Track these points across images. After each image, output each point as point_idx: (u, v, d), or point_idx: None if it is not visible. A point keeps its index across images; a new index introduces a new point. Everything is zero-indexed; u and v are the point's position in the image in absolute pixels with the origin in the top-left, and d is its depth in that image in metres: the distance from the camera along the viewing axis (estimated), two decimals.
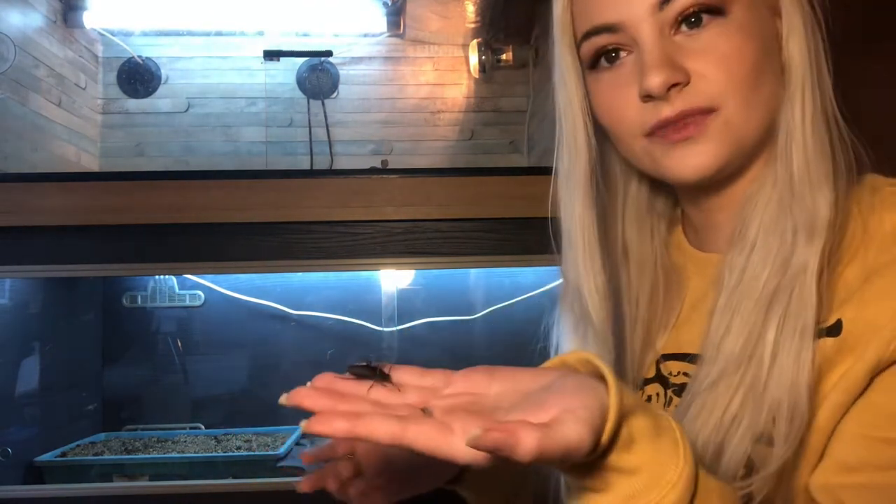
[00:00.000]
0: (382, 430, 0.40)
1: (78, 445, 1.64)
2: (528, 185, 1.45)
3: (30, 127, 1.68)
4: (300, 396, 0.43)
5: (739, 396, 0.55)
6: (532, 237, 1.45)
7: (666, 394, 0.66)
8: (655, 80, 0.56)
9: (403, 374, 0.47)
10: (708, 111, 0.57)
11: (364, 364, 0.47)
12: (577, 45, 0.63)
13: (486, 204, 1.44)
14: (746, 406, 0.54)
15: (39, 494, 1.39)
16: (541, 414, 0.39)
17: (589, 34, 0.61)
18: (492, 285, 1.93)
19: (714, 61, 0.57)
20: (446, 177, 1.46)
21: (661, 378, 0.68)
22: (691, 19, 0.57)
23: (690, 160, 0.58)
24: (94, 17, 1.97)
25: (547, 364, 0.49)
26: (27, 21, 1.71)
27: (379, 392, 0.46)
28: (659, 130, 0.59)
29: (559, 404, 0.40)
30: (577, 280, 0.66)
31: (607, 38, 0.60)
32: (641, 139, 0.61)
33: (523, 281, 1.91)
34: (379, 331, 1.86)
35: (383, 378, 0.46)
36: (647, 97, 0.58)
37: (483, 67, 2.12)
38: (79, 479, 1.49)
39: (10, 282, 1.56)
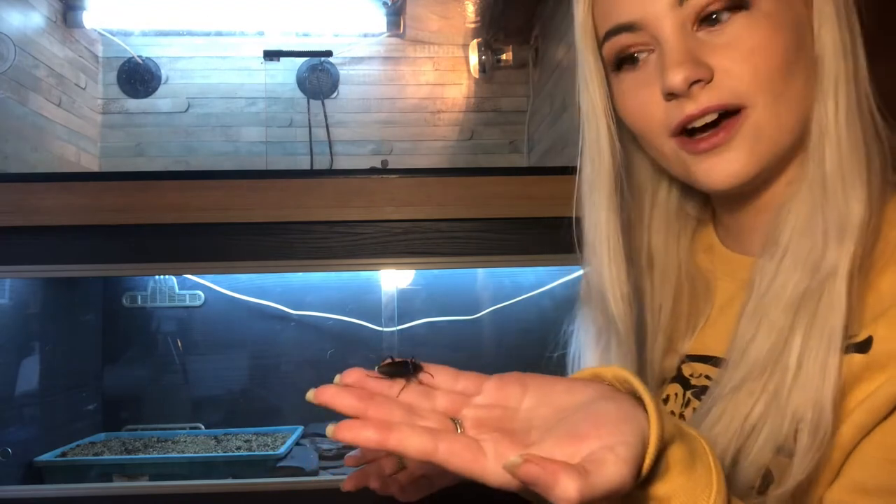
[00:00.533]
0: (414, 444, 0.39)
1: (78, 445, 1.64)
2: (528, 185, 1.45)
3: (30, 127, 1.68)
4: (329, 395, 0.42)
5: (762, 404, 0.53)
6: (532, 237, 1.45)
7: (685, 395, 0.65)
8: (677, 78, 0.54)
9: (436, 374, 0.46)
10: (734, 109, 0.55)
11: (394, 361, 0.47)
12: (600, 47, 0.61)
13: (486, 204, 1.44)
14: (768, 414, 0.52)
15: (39, 494, 1.39)
16: (579, 445, 0.38)
17: (610, 34, 0.59)
18: (492, 285, 1.93)
19: (739, 56, 0.54)
20: (446, 177, 1.46)
21: (681, 378, 0.66)
22: (713, 15, 0.55)
23: (721, 168, 0.56)
24: (94, 17, 1.96)
25: (579, 375, 0.47)
26: (27, 21, 1.71)
27: (410, 393, 0.44)
28: (686, 137, 0.57)
29: (598, 437, 0.38)
30: (601, 289, 0.64)
31: (628, 38, 0.58)
32: (669, 140, 0.59)
33: (523, 281, 1.91)
34: (379, 331, 1.86)
35: (416, 370, 0.46)
36: (670, 95, 0.56)
37: (483, 67, 2.12)
38: (79, 479, 1.49)
39: (10, 282, 1.56)
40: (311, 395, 0.42)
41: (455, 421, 0.43)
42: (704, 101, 0.55)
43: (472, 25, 2.15)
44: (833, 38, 0.55)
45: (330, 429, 0.40)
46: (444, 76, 2.19)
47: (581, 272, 0.71)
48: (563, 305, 2.03)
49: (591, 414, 0.40)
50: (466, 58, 2.16)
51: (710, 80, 0.55)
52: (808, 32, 0.57)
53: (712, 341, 0.65)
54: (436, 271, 1.83)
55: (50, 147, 1.76)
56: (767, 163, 0.57)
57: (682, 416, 0.63)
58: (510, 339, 1.93)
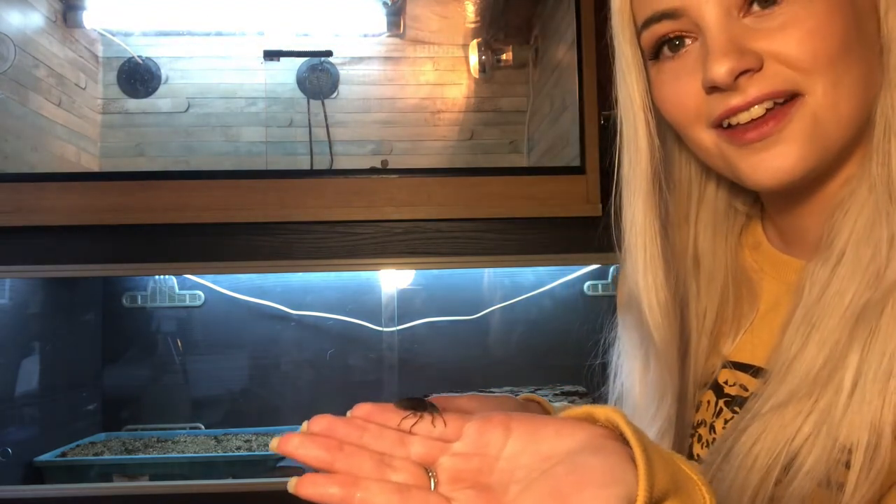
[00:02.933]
0: (379, 503, 0.37)
1: (78, 445, 1.64)
2: (528, 185, 1.46)
3: (30, 127, 1.68)
4: (293, 445, 0.38)
5: (809, 424, 0.47)
6: (532, 237, 1.45)
7: (717, 403, 0.61)
8: (721, 69, 0.49)
9: (410, 421, 0.43)
10: (790, 96, 0.50)
11: (413, 398, 0.44)
12: (638, 35, 0.56)
13: (486, 204, 1.44)
14: (817, 437, 0.47)
15: (39, 494, 1.39)
16: None
17: (649, 22, 0.54)
18: (492, 285, 1.93)
19: (795, 38, 0.49)
20: (446, 177, 1.46)
21: (715, 385, 0.62)
22: None
23: (770, 163, 0.51)
24: (94, 17, 1.96)
25: (572, 413, 0.43)
26: (27, 21, 1.71)
27: (384, 440, 0.41)
28: (730, 129, 0.52)
29: (580, 501, 0.35)
30: (636, 295, 0.60)
31: (669, 26, 0.53)
32: (709, 131, 0.54)
33: (523, 281, 1.91)
34: (379, 331, 1.86)
35: (433, 410, 0.42)
36: (713, 88, 0.51)
37: (483, 67, 2.12)
38: (79, 479, 1.49)
39: (10, 282, 1.56)
40: (274, 444, 0.39)
41: (430, 473, 0.40)
42: (754, 91, 0.50)
43: (472, 25, 2.15)
44: None
45: (291, 483, 0.37)
46: (444, 76, 2.18)
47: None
48: (564, 306, 2.03)
49: (576, 469, 0.37)
50: (466, 58, 2.16)
51: (759, 70, 0.49)
52: (870, 15, 0.52)
53: (753, 348, 0.60)
54: (436, 271, 1.83)
55: (50, 147, 1.76)
56: (823, 158, 0.51)
57: (712, 426, 0.60)
58: (510, 339, 1.93)
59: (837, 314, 0.49)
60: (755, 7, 0.50)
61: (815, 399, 0.48)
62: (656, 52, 0.55)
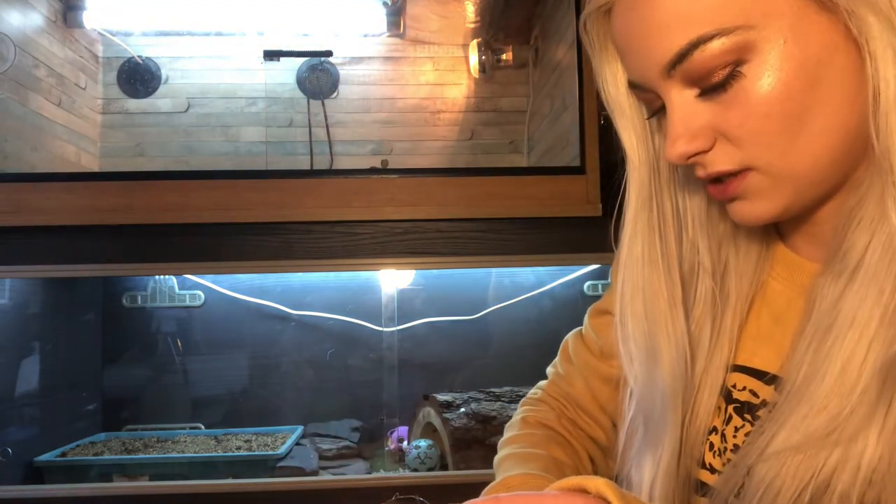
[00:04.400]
0: None
1: (78, 445, 1.64)
2: (527, 185, 1.46)
3: (30, 127, 1.68)
4: None
5: (836, 454, 0.45)
6: (532, 237, 1.45)
7: (726, 409, 0.59)
8: (672, 153, 0.52)
9: None
10: (741, 172, 0.51)
11: (403, 497, 0.44)
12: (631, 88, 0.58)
13: (486, 204, 1.44)
14: (843, 469, 0.44)
15: (39, 494, 1.39)
16: None
17: (630, 85, 0.56)
18: (491, 285, 1.93)
19: (737, 120, 0.49)
20: (446, 177, 1.46)
21: (724, 389, 0.60)
22: (707, 78, 0.49)
23: (739, 212, 0.53)
24: (94, 17, 1.96)
25: (565, 484, 0.43)
26: (27, 21, 1.71)
27: None
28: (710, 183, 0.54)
29: None
30: (645, 309, 0.60)
31: (643, 94, 0.55)
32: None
33: (523, 281, 1.91)
34: (379, 331, 1.86)
35: None
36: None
37: (483, 67, 2.12)
38: (79, 479, 1.49)
39: (10, 282, 1.56)
40: None
41: None
42: (709, 167, 0.52)
43: (472, 25, 2.15)
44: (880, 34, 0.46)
45: None
46: (444, 76, 2.19)
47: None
48: (564, 306, 2.02)
49: None
50: (466, 58, 2.16)
51: (710, 149, 0.52)
52: (838, 43, 0.47)
53: (763, 353, 0.59)
54: (436, 271, 1.83)
55: (50, 147, 1.76)
56: (796, 199, 0.52)
57: (723, 434, 0.59)
58: (510, 339, 1.93)
59: (854, 330, 0.47)
60: (706, 89, 0.50)
61: (841, 423, 0.46)
62: (650, 111, 0.57)
